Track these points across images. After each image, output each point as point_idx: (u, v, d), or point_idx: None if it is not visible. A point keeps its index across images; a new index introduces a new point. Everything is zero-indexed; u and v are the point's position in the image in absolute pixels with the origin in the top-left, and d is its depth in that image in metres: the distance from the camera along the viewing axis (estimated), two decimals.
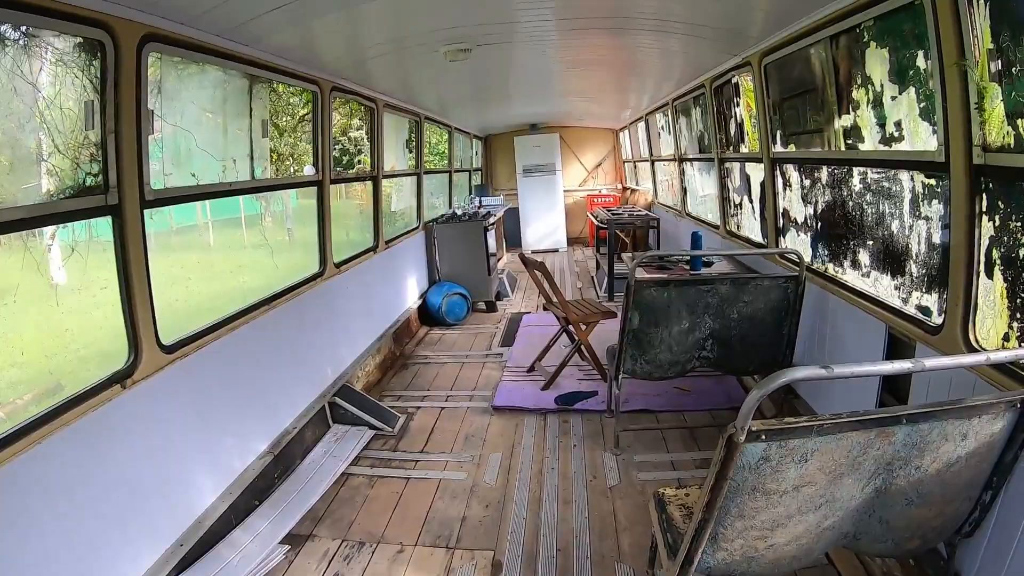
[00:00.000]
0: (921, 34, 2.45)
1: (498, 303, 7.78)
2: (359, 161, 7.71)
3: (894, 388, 2.92)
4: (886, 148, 2.96)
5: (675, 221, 7.86)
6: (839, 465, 1.70)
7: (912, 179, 2.79)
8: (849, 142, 3.32)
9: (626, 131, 11.52)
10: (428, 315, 6.96)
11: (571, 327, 5.00)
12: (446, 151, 9.79)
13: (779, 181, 4.30)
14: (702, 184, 6.85)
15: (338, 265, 4.90)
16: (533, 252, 11.80)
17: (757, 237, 4.99)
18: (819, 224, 3.87)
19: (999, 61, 2.08)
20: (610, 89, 7.80)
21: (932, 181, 2.64)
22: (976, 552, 2.13)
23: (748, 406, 1.51)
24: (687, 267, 4.83)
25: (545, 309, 5.45)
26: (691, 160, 7.00)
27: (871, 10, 2.74)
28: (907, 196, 2.86)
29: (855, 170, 3.34)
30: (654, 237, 9.25)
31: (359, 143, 7.43)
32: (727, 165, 5.55)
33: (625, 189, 11.48)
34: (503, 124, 11.57)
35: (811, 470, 1.68)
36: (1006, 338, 2.24)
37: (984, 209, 2.23)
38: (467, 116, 9.67)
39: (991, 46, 2.09)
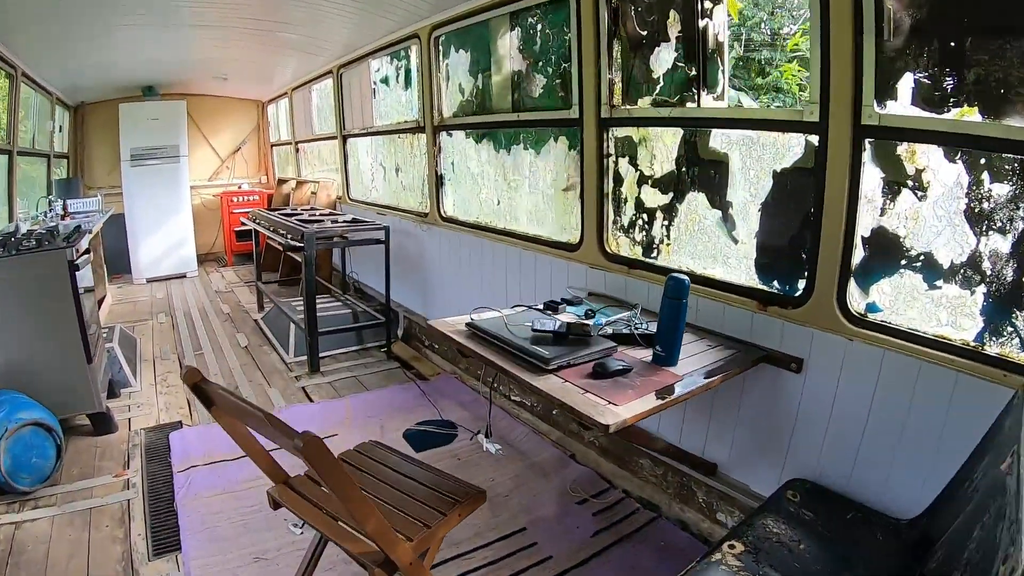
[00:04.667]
0: None
1: (114, 405, 3.74)
2: None
3: None
4: None
5: (417, 232, 4.94)
6: None
7: None
8: None
9: (284, 100, 8.08)
10: None
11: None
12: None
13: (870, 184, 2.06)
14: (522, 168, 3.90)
15: None
16: (150, 280, 7.54)
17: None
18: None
19: None
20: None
21: None
22: None
23: None
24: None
25: (274, 507, 1.94)
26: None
27: None
28: None
29: None
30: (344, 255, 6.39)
31: None
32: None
33: (282, 183, 8.26)
34: (104, 83, 6.93)
35: None
36: None
37: None
38: (47, 53, 5.16)
39: None
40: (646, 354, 2.21)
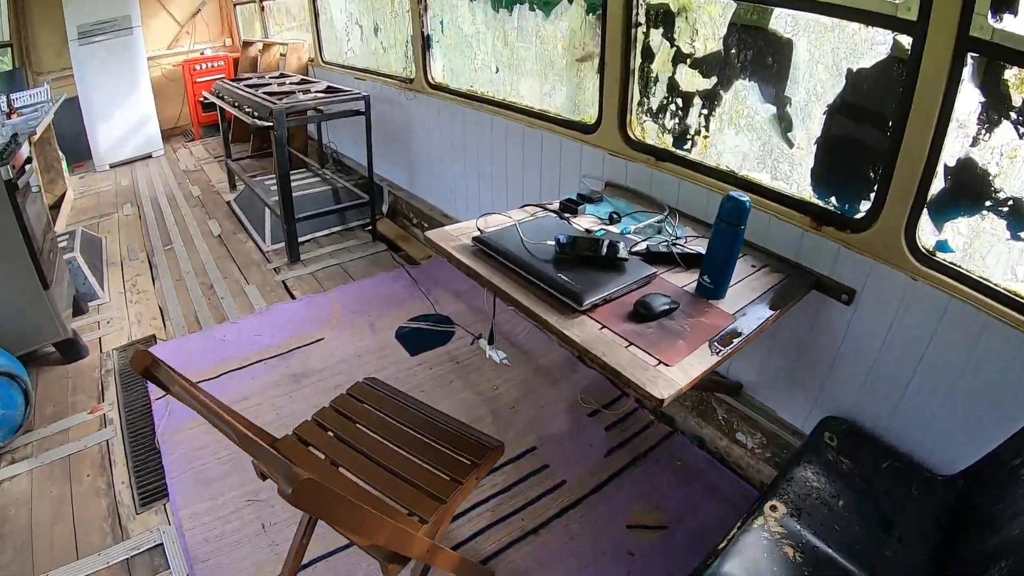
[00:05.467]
0: None
1: (82, 324, 3.47)
2: None
3: None
4: None
5: (401, 100, 4.35)
6: None
7: None
8: None
9: None
10: None
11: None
12: None
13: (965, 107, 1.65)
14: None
15: None
16: (113, 166, 6.81)
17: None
18: None
19: None
20: None
21: None
22: None
23: None
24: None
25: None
26: None
27: None
28: None
29: None
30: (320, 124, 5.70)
31: None
32: None
33: (247, 45, 7.44)
34: None
35: None
36: None
37: None
38: None
39: None
40: (688, 280, 1.86)
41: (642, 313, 1.63)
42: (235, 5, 7.99)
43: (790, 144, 2.17)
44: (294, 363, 3.06)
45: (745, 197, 1.69)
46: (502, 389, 2.91)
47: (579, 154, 2.88)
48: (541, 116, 3.08)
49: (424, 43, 3.83)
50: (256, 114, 4.04)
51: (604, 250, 1.80)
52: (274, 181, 4.75)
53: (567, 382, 2.95)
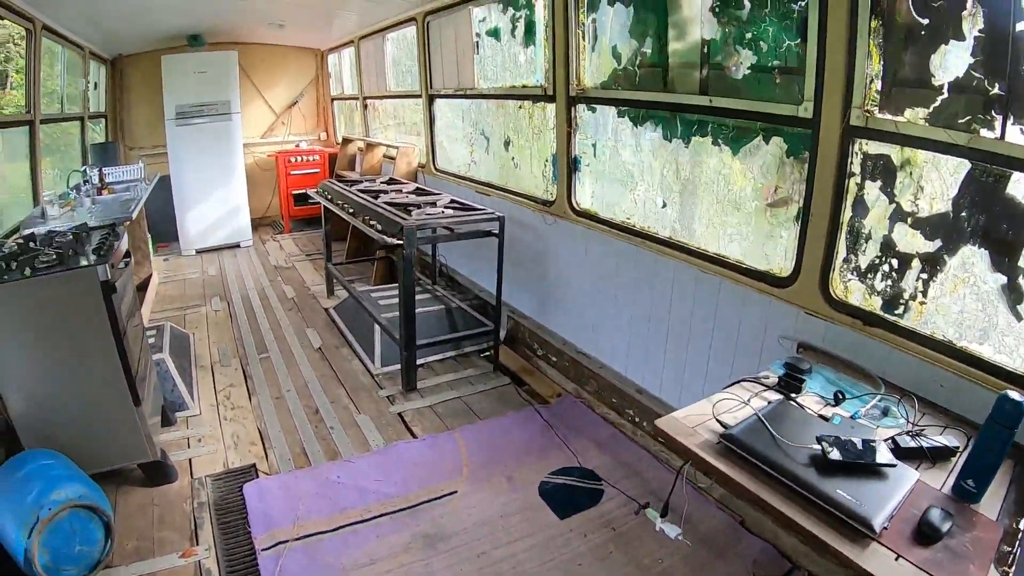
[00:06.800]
0: None
1: (170, 439, 3.36)
2: None
3: None
4: None
5: (536, 223, 4.29)
6: None
7: None
8: None
9: (347, 49, 7.41)
10: None
11: None
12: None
13: None
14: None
15: None
16: (200, 251, 7.06)
17: None
18: None
19: None
20: None
21: None
22: None
23: None
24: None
25: None
26: None
27: None
28: None
29: None
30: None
31: None
32: None
33: (347, 143, 7.62)
34: (143, 32, 6.42)
35: None
36: None
37: None
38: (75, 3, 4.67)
39: None
40: (938, 478, 1.72)
41: (928, 533, 1.47)
42: (333, 100, 8.32)
43: (1019, 317, 2.03)
44: (425, 522, 2.82)
45: (1022, 398, 1.53)
46: (667, 563, 2.62)
47: (767, 309, 2.69)
48: (718, 261, 2.93)
49: (571, 165, 3.78)
50: (381, 228, 3.98)
51: (874, 457, 1.60)
52: (381, 293, 4.73)
53: (734, 553, 2.67)
